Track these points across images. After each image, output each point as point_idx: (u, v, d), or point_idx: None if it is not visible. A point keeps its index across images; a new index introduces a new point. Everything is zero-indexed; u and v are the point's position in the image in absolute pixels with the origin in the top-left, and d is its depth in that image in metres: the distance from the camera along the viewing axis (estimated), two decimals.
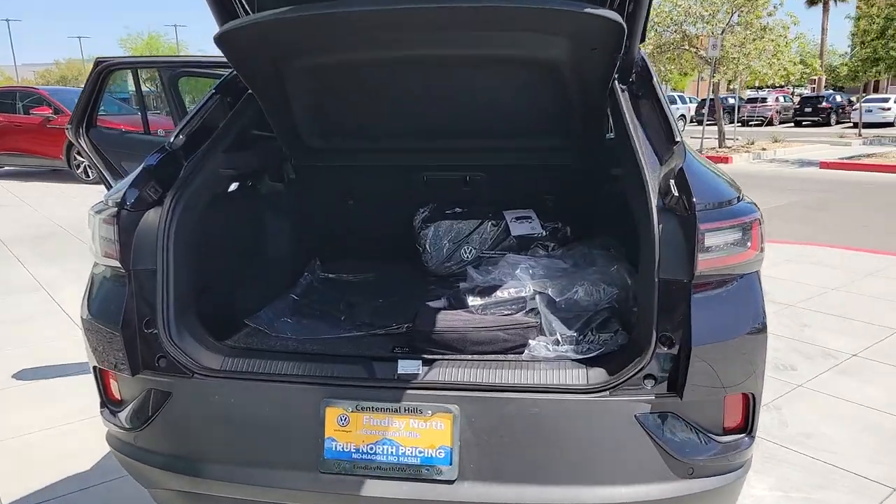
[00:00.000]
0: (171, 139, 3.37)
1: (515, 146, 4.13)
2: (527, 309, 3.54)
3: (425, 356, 3.09)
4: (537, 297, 3.53)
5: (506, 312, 3.55)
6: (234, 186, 3.70)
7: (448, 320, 3.24)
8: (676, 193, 2.71)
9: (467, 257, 4.24)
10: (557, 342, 3.04)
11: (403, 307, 3.78)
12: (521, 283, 3.66)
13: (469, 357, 3.09)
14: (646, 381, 2.70)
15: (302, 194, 4.48)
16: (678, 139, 2.95)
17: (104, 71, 5.30)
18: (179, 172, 3.22)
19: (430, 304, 3.77)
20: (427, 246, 4.26)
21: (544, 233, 4.20)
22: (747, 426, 2.87)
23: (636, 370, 2.68)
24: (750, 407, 2.85)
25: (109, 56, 5.74)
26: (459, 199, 4.47)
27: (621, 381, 2.69)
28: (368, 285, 4.22)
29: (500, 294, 3.54)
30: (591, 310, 3.32)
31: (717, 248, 2.68)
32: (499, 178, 4.37)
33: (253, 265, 3.93)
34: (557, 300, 3.36)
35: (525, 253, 4.21)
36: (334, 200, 4.56)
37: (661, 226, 2.70)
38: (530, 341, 3.08)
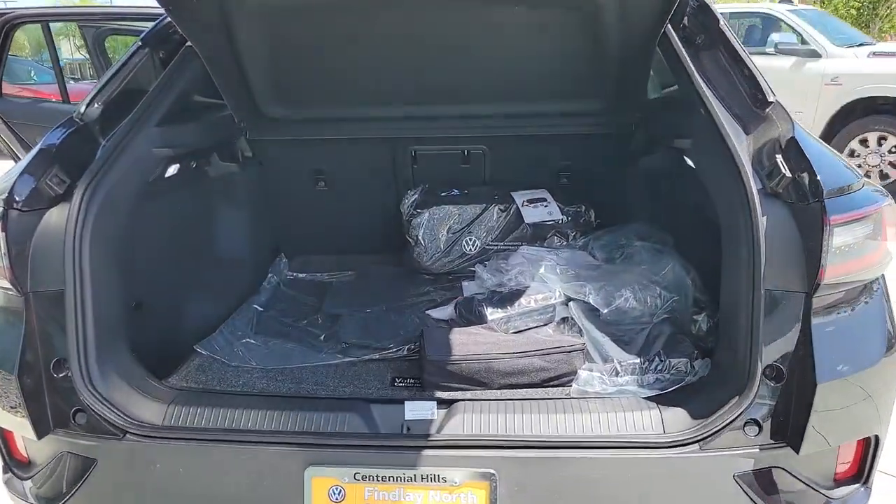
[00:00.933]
0: (82, 109, 2.48)
1: (529, 111, 3.34)
2: (556, 320, 2.80)
3: (440, 394, 2.34)
4: (571, 305, 2.78)
5: (532, 325, 2.80)
6: (172, 170, 2.83)
7: (465, 342, 2.47)
8: (788, 173, 1.98)
9: (470, 250, 3.46)
10: (615, 371, 2.31)
11: (399, 319, 2.99)
12: (549, 286, 2.90)
13: (499, 395, 2.35)
14: (747, 429, 2.01)
15: (262, 177, 3.62)
16: (771, 99, 2.21)
17: (6, 26, 4.27)
18: (94, 155, 2.35)
19: (435, 314, 3.00)
20: (420, 237, 3.46)
21: (564, 218, 3.44)
22: (863, 474, 2.22)
23: (735, 414, 1.98)
24: (869, 450, 2.19)
25: (13, 7, 4.69)
26: (457, 179, 3.67)
27: (715, 429, 1.99)
28: (349, 288, 3.41)
29: (525, 302, 2.78)
30: (648, 323, 2.59)
31: (846, 249, 1.97)
32: (506, 152, 3.57)
33: (202, 270, 3.08)
34: (603, 311, 2.61)
35: (541, 244, 3.45)
36: (303, 183, 3.70)
37: (765, 217, 1.98)
38: (579, 371, 2.34)
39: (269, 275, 3.52)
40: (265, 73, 3.08)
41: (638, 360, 2.32)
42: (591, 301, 2.66)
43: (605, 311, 2.60)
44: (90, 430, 2.16)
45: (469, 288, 3.33)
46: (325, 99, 3.33)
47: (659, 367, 2.30)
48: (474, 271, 3.39)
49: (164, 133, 2.64)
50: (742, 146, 2.15)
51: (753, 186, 2.01)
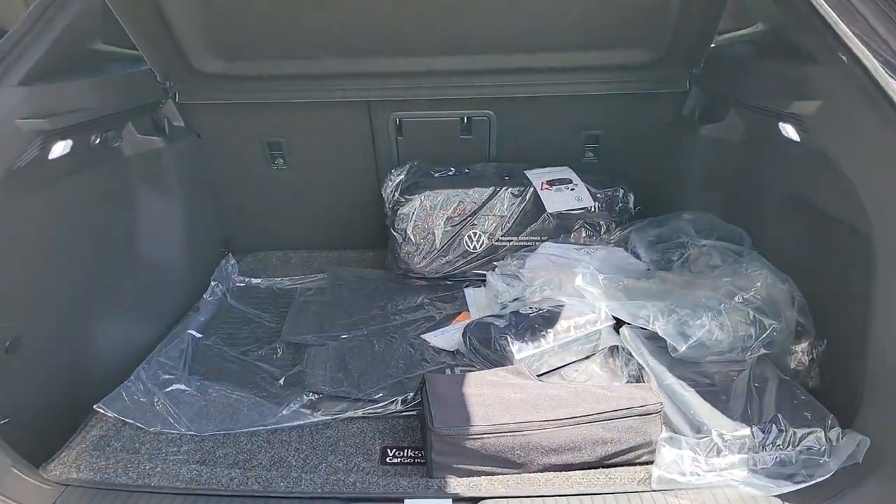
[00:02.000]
0: None
1: (549, 64, 2.53)
2: (601, 348, 2.05)
3: (455, 484, 1.59)
4: (627, 332, 2.03)
5: (569, 359, 2.05)
6: (60, 149, 1.98)
7: (488, 400, 1.70)
8: None
9: (475, 248, 2.67)
10: (716, 448, 1.56)
11: (387, 350, 2.21)
12: (588, 301, 2.14)
13: (541, 483, 1.59)
14: None
15: (199, 154, 2.77)
16: None
17: None
18: None
19: (435, 340, 2.22)
20: (408, 231, 2.66)
21: (595, 205, 2.65)
22: None
23: None
24: None
25: None
26: (456, 155, 2.85)
27: None
28: (317, 302, 2.60)
29: (562, 328, 2.01)
30: (740, 362, 1.85)
31: None
32: (519, 119, 2.77)
33: (115, 285, 2.24)
34: (680, 349, 1.85)
35: (565, 238, 2.67)
36: (254, 161, 2.86)
37: None
38: (660, 445, 1.59)
39: (212, 283, 2.69)
40: (196, 13, 2.22)
41: (748, 432, 1.57)
42: (660, 331, 1.90)
43: (684, 348, 1.84)
44: None
45: (474, 297, 2.55)
46: (278, 49, 2.49)
47: (779, 442, 1.56)
48: (482, 277, 2.62)
49: (35, 97, 1.79)
50: None
51: None
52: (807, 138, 1.83)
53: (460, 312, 2.46)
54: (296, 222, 3.08)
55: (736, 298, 1.96)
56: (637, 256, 2.52)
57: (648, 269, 2.40)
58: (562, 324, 2.02)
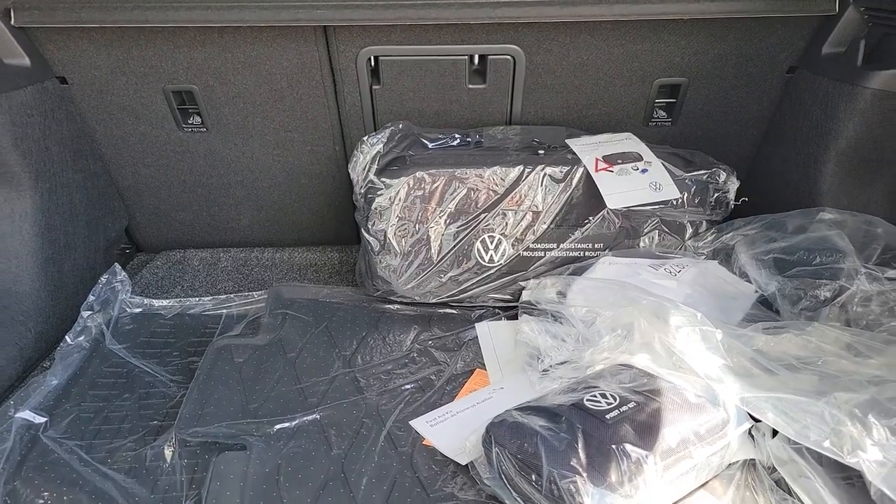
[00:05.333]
0: None
1: None
2: (729, 464, 1.16)
3: None
4: (780, 448, 1.13)
5: (680, 493, 1.14)
6: None
7: None
8: None
9: (492, 260, 1.73)
10: None
11: (352, 459, 1.29)
12: (702, 381, 1.23)
13: None
14: None
15: (60, 108, 1.77)
16: None
17: None
18: None
19: (434, 436, 1.31)
20: (389, 234, 1.71)
21: (683, 197, 1.71)
22: None
23: None
24: None
25: None
26: (459, 114, 1.89)
27: None
28: (243, 345, 1.65)
29: (671, 443, 1.10)
30: None
31: None
32: (558, 60, 1.78)
33: None
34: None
35: (632, 244, 1.75)
36: (153, 119, 1.87)
37: None
38: None
39: (83, 314, 1.72)
40: None
41: None
42: (871, 475, 0.99)
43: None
44: None
45: (492, 341, 1.64)
46: None
47: None
48: (503, 304, 1.70)
49: None
50: None
51: None
52: None
53: (472, 371, 1.55)
54: (225, 209, 2.11)
55: None
56: (745, 278, 1.61)
57: (772, 305, 1.50)
58: (669, 435, 1.11)
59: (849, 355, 1.25)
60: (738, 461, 1.20)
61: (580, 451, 1.08)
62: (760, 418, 1.16)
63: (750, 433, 1.22)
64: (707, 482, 1.19)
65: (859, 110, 1.54)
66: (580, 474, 1.03)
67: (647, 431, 1.11)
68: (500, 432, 1.17)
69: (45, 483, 1.26)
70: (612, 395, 1.20)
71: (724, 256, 1.69)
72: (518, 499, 1.12)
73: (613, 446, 1.07)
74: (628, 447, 1.07)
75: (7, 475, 1.27)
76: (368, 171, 1.76)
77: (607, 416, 1.14)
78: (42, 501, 1.22)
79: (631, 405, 1.17)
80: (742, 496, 1.15)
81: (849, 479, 1.07)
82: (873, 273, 1.38)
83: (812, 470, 1.08)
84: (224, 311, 1.85)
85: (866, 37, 1.55)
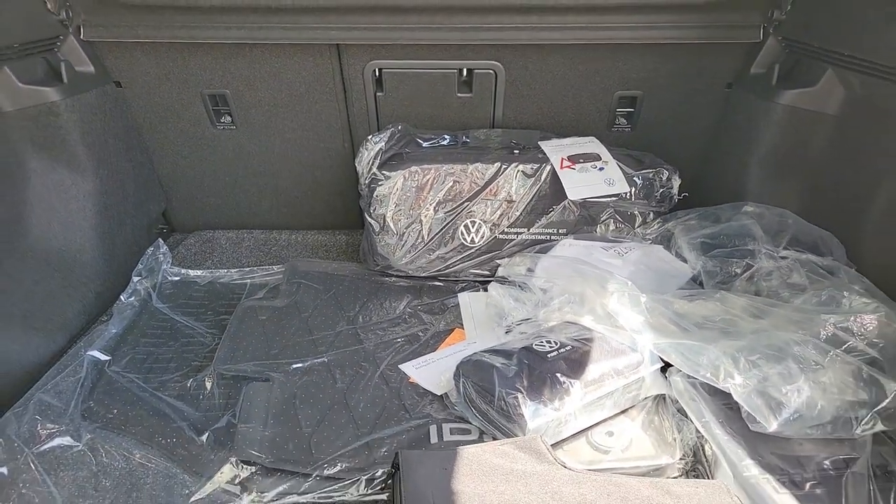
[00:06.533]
0: None
1: (578, 2, 1.88)
2: (643, 398, 1.50)
3: None
4: (681, 383, 1.47)
5: (601, 416, 1.49)
6: None
7: (479, 495, 1.14)
8: None
9: (473, 241, 2.08)
10: None
11: (352, 389, 1.64)
12: (626, 334, 1.57)
13: None
14: None
15: (115, 107, 2.12)
16: None
17: None
18: None
19: (416, 373, 1.65)
20: (388, 217, 2.06)
21: (631, 191, 2.05)
22: None
23: None
24: None
25: None
26: (451, 118, 2.23)
27: None
28: (267, 311, 2.00)
29: (592, 378, 1.44)
30: (845, 441, 1.30)
31: None
32: (534, 74, 2.13)
33: None
34: (769, 427, 1.29)
35: (589, 230, 2.09)
36: (193, 119, 2.22)
37: None
38: None
39: (134, 279, 2.09)
40: None
41: None
42: (739, 398, 1.33)
43: (774, 426, 1.29)
44: None
45: (470, 308, 1.98)
46: None
47: None
48: (482, 278, 2.05)
49: None
50: None
51: None
52: None
53: (452, 330, 1.89)
54: (249, 196, 2.47)
55: (836, 341, 1.40)
56: (682, 259, 1.95)
57: (697, 279, 1.83)
58: (592, 370, 1.45)
59: (745, 316, 1.59)
60: (652, 395, 1.54)
61: (524, 378, 1.42)
62: (666, 359, 1.50)
63: (665, 375, 1.55)
64: (626, 410, 1.53)
65: (774, 122, 1.87)
66: (522, 393, 1.38)
67: (576, 366, 1.45)
68: (466, 368, 1.52)
69: (114, 403, 1.62)
70: (555, 342, 1.54)
71: (666, 241, 2.02)
72: (477, 415, 1.46)
73: (549, 375, 1.42)
74: (560, 376, 1.42)
75: (83, 396, 1.63)
76: (372, 165, 2.10)
77: (548, 356, 1.48)
78: (111, 416, 1.58)
79: (568, 348, 1.51)
80: (651, 419, 1.49)
81: (728, 404, 1.40)
82: (771, 253, 1.71)
83: (700, 397, 1.42)
84: (248, 280, 2.21)
85: (782, 62, 1.88)
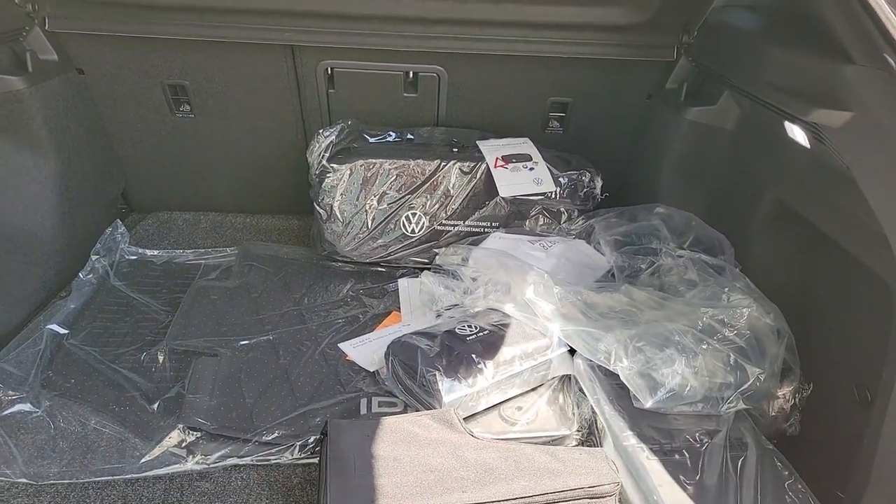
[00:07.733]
0: None
1: (514, 18, 2.07)
2: (551, 378, 1.71)
3: None
4: (582, 365, 1.68)
5: (512, 392, 1.69)
6: None
7: (396, 458, 1.34)
8: None
9: (413, 231, 2.26)
10: None
11: (293, 365, 1.81)
12: (540, 320, 1.77)
13: None
14: None
15: (77, 94, 2.23)
16: None
17: None
18: None
19: (354, 352, 1.83)
20: (335, 207, 2.22)
21: (557, 191, 2.25)
22: None
23: None
24: None
25: None
26: (397, 116, 2.40)
27: None
28: (217, 290, 2.16)
29: (504, 359, 1.65)
30: (713, 417, 1.53)
31: None
32: (473, 78, 2.31)
33: None
34: (645, 404, 1.51)
35: (520, 224, 2.29)
36: (153, 107, 2.34)
37: None
38: None
39: (92, 257, 2.22)
40: None
41: None
42: (623, 377, 1.55)
43: (650, 403, 1.51)
44: None
45: (408, 293, 2.16)
46: None
47: None
48: (421, 265, 2.24)
49: None
50: None
51: None
52: (820, 149, 1.45)
53: (390, 313, 2.08)
54: (206, 180, 2.60)
55: (712, 332, 1.62)
56: (601, 254, 2.16)
57: (612, 272, 2.04)
58: (505, 352, 1.66)
59: (644, 307, 1.80)
60: (559, 375, 1.75)
61: (444, 358, 1.61)
62: (571, 344, 1.70)
63: (571, 353, 1.76)
64: (536, 388, 1.74)
65: (681, 134, 2.08)
66: (440, 371, 1.57)
67: (490, 349, 1.65)
68: (395, 347, 1.71)
69: (71, 373, 1.77)
70: (476, 326, 1.73)
71: (588, 237, 2.23)
72: (403, 391, 1.65)
73: (465, 356, 1.62)
74: (474, 357, 1.61)
75: (43, 366, 1.77)
76: (322, 157, 2.26)
77: (467, 339, 1.68)
78: (69, 385, 1.73)
79: (486, 332, 1.71)
80: (556, 396, 1.70)
81: (619, 384, 1.61)
82: (670, 252, 1.93)
83: (596, 377, 1.63)
84: (203, 261, 2.35)
85: (691, 80, 2.10)
